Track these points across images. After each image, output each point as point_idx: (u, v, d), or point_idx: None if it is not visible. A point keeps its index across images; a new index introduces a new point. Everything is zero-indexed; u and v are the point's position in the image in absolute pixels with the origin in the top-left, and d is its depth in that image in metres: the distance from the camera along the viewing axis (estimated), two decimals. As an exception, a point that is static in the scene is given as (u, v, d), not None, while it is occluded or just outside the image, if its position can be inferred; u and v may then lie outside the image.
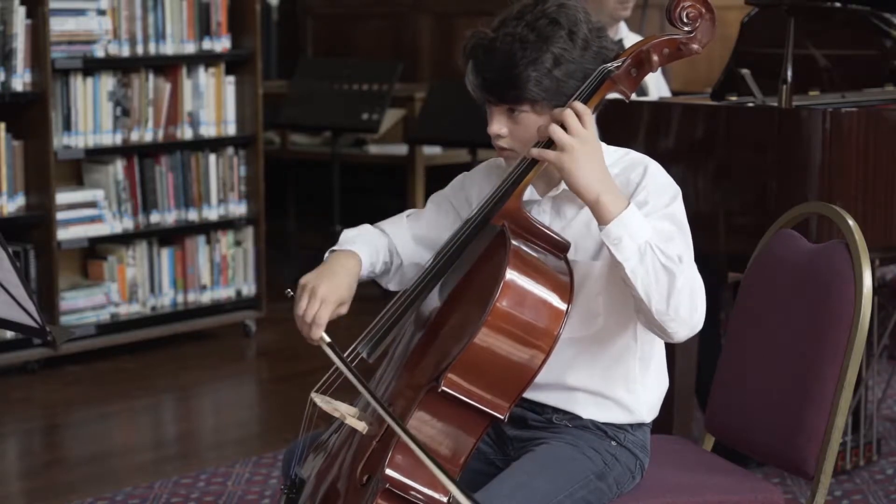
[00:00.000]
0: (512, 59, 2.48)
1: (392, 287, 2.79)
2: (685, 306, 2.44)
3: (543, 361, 2.41)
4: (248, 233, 6.29)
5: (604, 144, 2.62)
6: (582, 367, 2.61)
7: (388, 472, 2.39)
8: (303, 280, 2.56)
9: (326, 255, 2.66)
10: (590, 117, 2.48)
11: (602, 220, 2.44)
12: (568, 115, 2.45)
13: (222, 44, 6.15)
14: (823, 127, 3.77)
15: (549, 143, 2.48)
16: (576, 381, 2.62)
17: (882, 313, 4.73)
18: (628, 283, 2.44)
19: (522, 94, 2.50)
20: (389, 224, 2.78)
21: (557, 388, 2.61)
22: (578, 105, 2.47)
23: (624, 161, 2.60)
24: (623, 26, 5.03)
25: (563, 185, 2.58)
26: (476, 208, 2.57)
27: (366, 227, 2.76)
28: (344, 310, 2.57)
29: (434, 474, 2.30)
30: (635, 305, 2.51)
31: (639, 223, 2.43)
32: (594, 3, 4.81)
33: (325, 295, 2.52)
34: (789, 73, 3.88)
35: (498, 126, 2.56)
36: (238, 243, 6.27)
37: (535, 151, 2.47)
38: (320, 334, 2.50)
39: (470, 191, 2.74)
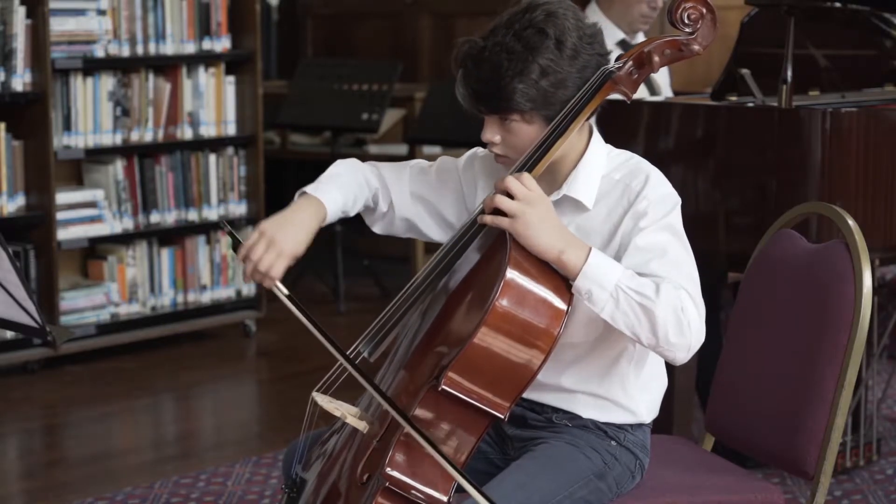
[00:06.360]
0: (498, 70, 2.47)
1: (376, 229, 2.78)
2: (673, 333, 2.43)
3: (543, 361, 2.41)
4: (248, 233, 6.28)
5: (607, 147, 2.63)
6: (579, 371, 2.62)
7: (389, 470, 2.39)
8: (263, 225, 2.51)
9: (297, 195, 2.61)
10: (531, 180, 2.46)
11: (569, 276, 2.44)
12: (509, 181, 2.45)
13: (222, 44, 6.15)
14: (823, 127, 3.77)
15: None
16: (573, 384, 2.63)
17: (882, 313, 4.73)
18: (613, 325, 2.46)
19: (510, 105, 2.49)
20: (390, 171, 2.77)
21: (556, 389, 2.62)
22: (517, 175, 2.46)
23: (627, 166, 2.60)
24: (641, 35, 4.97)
25: (563, 191, 2.58)
26: (478, 208, 2.56)
27: (353, 166, 2.74)
28: (292, 261, 2.52)
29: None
30: None
31: (605, 269, 2.43)
32: (621, 5, 4.78)
33: (282, 248, 2.49)
34: (789, 73, 3.88)
35: (490, 134, 2.55)
36: (238, 243, 6.26)
37: (489, 219, 2.46)
38: (274, 285, 2.47)
39: (479, 173, 2.72)
